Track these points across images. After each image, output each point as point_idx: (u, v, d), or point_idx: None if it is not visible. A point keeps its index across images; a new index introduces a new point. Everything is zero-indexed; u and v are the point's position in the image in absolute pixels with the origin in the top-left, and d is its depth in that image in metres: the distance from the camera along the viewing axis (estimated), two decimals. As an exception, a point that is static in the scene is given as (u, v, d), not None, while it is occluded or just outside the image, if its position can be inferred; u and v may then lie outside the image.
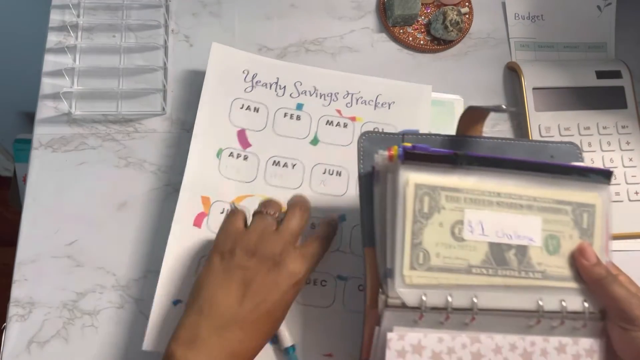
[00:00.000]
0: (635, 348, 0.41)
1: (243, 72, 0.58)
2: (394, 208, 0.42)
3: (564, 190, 0.45)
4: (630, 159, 0.60)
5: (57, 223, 0.54)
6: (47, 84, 0.59)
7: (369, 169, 0.47)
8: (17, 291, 0.52)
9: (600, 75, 0.61)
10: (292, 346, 0.49)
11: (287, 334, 0.49)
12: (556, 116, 0.60)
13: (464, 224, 0.42)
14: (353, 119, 0.58)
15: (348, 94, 0.59)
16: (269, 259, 0.44)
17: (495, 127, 0.62)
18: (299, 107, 0.58)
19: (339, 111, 0.58)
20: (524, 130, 0.60)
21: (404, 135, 0.48)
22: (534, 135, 0.59)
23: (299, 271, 0.45)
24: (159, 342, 0.48)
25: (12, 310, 0.51)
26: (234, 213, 0.48)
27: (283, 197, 0.53)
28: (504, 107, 0.44)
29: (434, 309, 0.41)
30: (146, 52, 0.61)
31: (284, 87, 0.58)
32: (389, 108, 0.59)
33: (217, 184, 0.54)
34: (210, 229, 0.52)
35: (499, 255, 0.42)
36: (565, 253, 0.44)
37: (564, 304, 0.43)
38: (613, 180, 0.58)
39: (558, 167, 0.45)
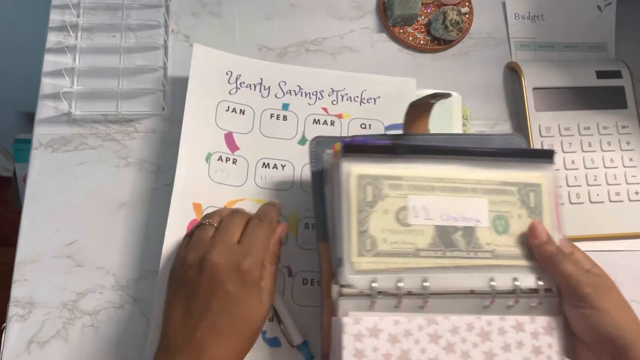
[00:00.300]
0: (587, 324, 0.42)
1: (226, 73, 0.57)
2: (339, 199, 0.43)
3: (507, 172, 0.46)
4: (631, 159, 0.60)
5: (57, 223, 0.54)
6: (47, 84, 0.59)
7: (320, 169, 0.49)
8: (17, 291, 0.52)
9: (601, 75, 0.61)
10: (305, 342, 0.49)
11: (296, 332, 0.49)
12: (556, 116, 0.60)
13: (408, 209, 0.44)
14: (340, 116, 0.58)
15: (333, 91, 0.59)
16: (201, 264, 0.42)
17: (495, 127, 0.62)
18: (285, 107, 0.58)
19: (325, 109, 0.58)
20: (524, 131, 0.60)
21: (352, 137, 0.50)
22: (535, 135, 0.59)
23: (241, 264, 0.42)
24: None
25: (12, 310, 0.51)
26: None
27: (274, 198, 0.54)
28: (441, 93, 0.47)
29: (386, 294, 0.42)
30: (146, 52, 0.61)
31: (269, 87, 0.58)
32: (375, 103, 0.59)
33: (208, 190, 0.53)
34: None
35: (446, 237, 0.44)
36: (515, 232, 0.45)
37: (516, 282, 0.44)
38: (613, 180, 0.59)
39: (499, 151, 0.46)
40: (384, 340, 0.41)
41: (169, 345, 0.41)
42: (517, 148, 0.48)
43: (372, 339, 0.41)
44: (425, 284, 0.43)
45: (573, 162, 0.59)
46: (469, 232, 0.44)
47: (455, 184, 0.45)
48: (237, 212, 0.46)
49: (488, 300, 0.44)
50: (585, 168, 0.59)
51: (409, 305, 0.43)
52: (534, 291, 0.44)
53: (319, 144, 0.50)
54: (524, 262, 0.45)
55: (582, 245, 0.57)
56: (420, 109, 0.50)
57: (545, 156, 0.47)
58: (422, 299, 0.43)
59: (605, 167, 0.59)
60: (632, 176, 0.59)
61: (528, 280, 0.45)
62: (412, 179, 0.44)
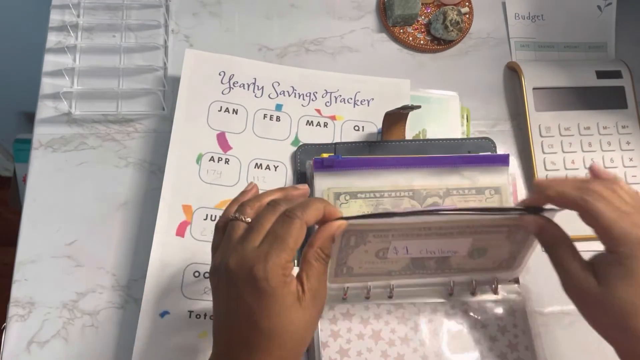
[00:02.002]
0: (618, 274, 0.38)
1: (219, 74, 0.57)
2: None
3: (479, 178, 0.51)
4: (631, 159, 0.60)
5: (57, 223, 0.54)
6: (47, 84, 0.59)
7: (304, 172, 0.54)
8: (17, 291, 0.52)
9: (601, 75, 0.61)
10: None
11: None
12: (556, 116, 0.60)
13: (389, 250, 0.45)
14: (333, 117, 0.58)
15: (327, 92, 0.59)
16: (224, 270, 0.37)
17: (496, 127, 0.62)
18: (278, 107, 0.58)
19: (318, 111, 0.58)
20: (524, 131, 0.60)
21: (335, 144, 0.54)
22: (535, 135, 0.59)
23: (253, 271, 0.35)
24: (147, 357, 0.48)
25: (12, 310, 0.51)
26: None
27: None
28: (410, 105, 0.51)
29: (356, 289, 0.48)
30: (146, 52, 0.61)
31: (262, 87, 0.58)
32: (369, 105, 0.59)
33: (199, 191, 0.53)
34: (194, 238, 0.52)
35: (419, 263, 0.47)
36: (490, 257, 0.47)
37: (475, 278, 0.49)
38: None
39: (462, 158, 0.51)
40: (356, 322, 0.47)
41: (215, 347, 0.38)
42: (478, 155, 0.52)
43: (346, 321, 0.47)
44: (391, 284, 0.48)
45: (573, 162, 0.59)
46: (443, 259, 0.46)
47: (443, 230, 0.43)
48: (273, 206, 0.39)
49: (448, 288, 0.48)
50: (585, 168, 0.59)
51: (376, 297, 0.48)
52: (488, 281, 0.49)
53: (304, 152, 0.55)
54: (489, 272, 0.49)
55: (583, 245, 0.58)
56: (396, 117, 0.54)
57: (503, 161, 0.51)
58: (387, 291, 0.48)
59: (605, 167, 0.59)
60: (632, 176, 0.59)
61: (485, 277, 0.49)
62: (398, 228, 0.42)
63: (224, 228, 0.41)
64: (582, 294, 0.40)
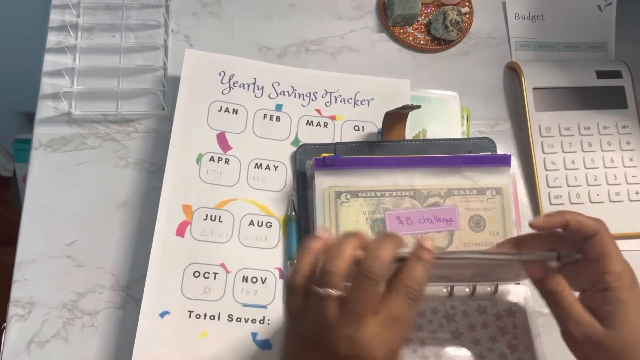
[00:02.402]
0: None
1: (219, 74, 0.57)
2: (313, 202, 0.49)
3: (480, 178, 0.51)
4: (631, 159, 0.59)
5: (57, 223, 0.54)
6: (47, 84, 0.59)
7: (304, 172, 0.54)
8: (17, 291, 0.52)
9: (601, 75, 0.61)
10: None
11: None
12: (556, 116, 0.60)
13: None
14: (333, 117, 0.58)
15: (327, 92, 0.59)
16: (329, 355, 0.35)
17: (496, 127, 0.62)
18: (278, 107, 0.58)
19: (318, 111, 0.58)
20: (524, 131, 0.60)
21: (335, 144, 0.54)
22: (535, 135, 0.59)
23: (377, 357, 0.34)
24: (147, 357, 0.48)
25: (12, 310, 0.51)
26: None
27: (266, 199, 0.54)
28: (410, 105, 0.52)
29: None
30: (146, 52, 0.61)
31: (262, 87, 0.58)
32: (369, 105, 0.59)
33: (199, 191, 0.53)
34: (194, 238, 0.52)
35: None
36: (492, 278, 0.47)
37: (470, 287, 0.49)
38: (613, 180, 0.59)
39: (463, 158, 0.51)
40: None
41: None
42: (480, 155, 0.52)
43: None
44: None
45: (573, 162, 0.59)
46: (443, 276, 0.46)
47: (454, 261, 0.41)
48: (369, 277, 0.35)
49: (448, 289, 0.48)
50: (585, 168, 0.59)
51: None
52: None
53: (304, 152, 0.55)
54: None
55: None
56: (396, 117, 0.54)
57: (504, 162, 0.51)
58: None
59: (605, 167, 0.59)
60: (632, 176, 0.59)
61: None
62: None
63: (304, 292, 0.37)
64: (588, 339, 0.39)
